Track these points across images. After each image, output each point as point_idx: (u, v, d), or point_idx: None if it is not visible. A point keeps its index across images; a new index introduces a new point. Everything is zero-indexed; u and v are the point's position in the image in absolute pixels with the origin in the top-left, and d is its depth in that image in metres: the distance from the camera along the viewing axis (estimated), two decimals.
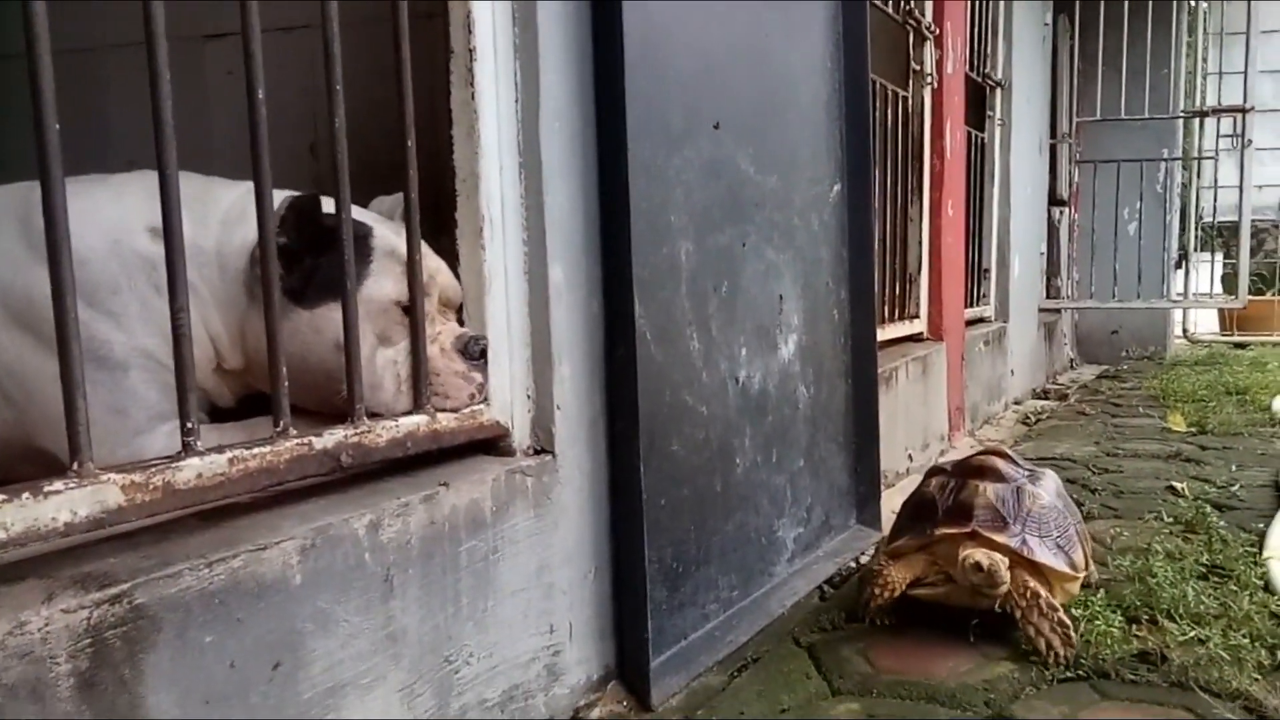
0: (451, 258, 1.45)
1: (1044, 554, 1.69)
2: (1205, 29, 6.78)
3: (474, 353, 1.41)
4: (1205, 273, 7.57)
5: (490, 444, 1.45)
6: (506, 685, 1.39)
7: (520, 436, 1.47)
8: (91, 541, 0.97)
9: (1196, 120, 6.41)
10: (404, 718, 1.21)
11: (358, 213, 1.42)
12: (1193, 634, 1.59)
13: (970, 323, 4.27)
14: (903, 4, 3.33)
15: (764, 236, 2.08)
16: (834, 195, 2.44)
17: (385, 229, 1.43)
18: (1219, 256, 8.33)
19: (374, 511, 1.17)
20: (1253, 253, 8.39)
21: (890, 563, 1.84)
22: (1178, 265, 6.86)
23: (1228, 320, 7.40)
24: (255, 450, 1.07)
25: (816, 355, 2.34)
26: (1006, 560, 1.65)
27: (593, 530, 1.59)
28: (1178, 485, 2.70)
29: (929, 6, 3.58)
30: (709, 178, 1.86)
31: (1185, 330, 7.26)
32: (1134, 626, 1.66)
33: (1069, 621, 1.62)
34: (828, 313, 2.42)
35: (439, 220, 1.44)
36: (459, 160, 1.39)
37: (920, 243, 3.59)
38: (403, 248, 1.34)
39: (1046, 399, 5.21)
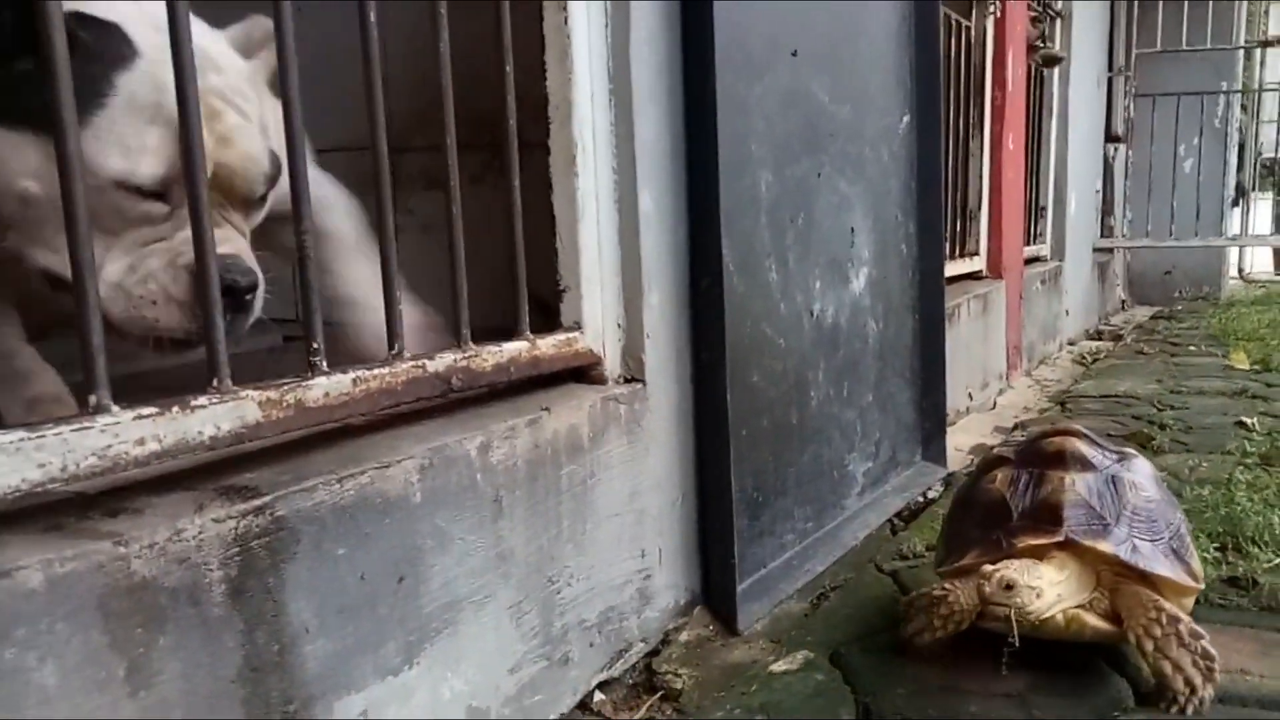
0: (540, 189, 1.44)
1: (1160, 563, 1.32)
2: None
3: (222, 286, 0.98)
4: (1261, 211, 7.41)
5: (582, 372, 1.47)
6: (603, 607, 1.43)
7: (611, 365, 1.49)
8: (229, 457, 1.01)
9: (1258, 53, 6.23)
10: (512, 635, 1.25)
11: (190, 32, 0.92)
12: (1277, 558, 1.60)
13: (1027, 261, 4.23)
14: None
15: (837, 168, 2.07)
16: (903, 126, 2.42)
17: (161, 54, 0.94)
18: (1271, 195, 8.15)
19: (484, 434, 1.19)
20: None
21: (954, 585, 1.39)
22: (1235, 203, 6.73)
23: None
24: (375, 371, 1.09)
25: (885, 289, 2.33)
26: (1034, 580, 1.28)
27: (679, 458, 1.61)
28: (1247, 420, 2.67)
29: None
30: (787, 107, 1.85)
31: (1240, 270, 7.13)
32: (1223, 553, 1.67)
33: (1214, 652, 1.26)
34: (896, 246, 2.41)
35: (498, 159, 1.40)
36: (551, 87, 1.39)
37: (981, 178, 3.55)
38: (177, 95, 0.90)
39: (1100, 340, 5.16)
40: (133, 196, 1.06)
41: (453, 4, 1.22)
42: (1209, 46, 5.57)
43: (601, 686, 1.42)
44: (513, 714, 1.24)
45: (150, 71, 1.04)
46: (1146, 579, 1.32)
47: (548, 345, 1.37)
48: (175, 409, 0.89)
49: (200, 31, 1.04)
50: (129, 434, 0.85)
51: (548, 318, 1.46)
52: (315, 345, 1.04)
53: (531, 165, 1.42)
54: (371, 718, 1.04)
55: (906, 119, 2.42)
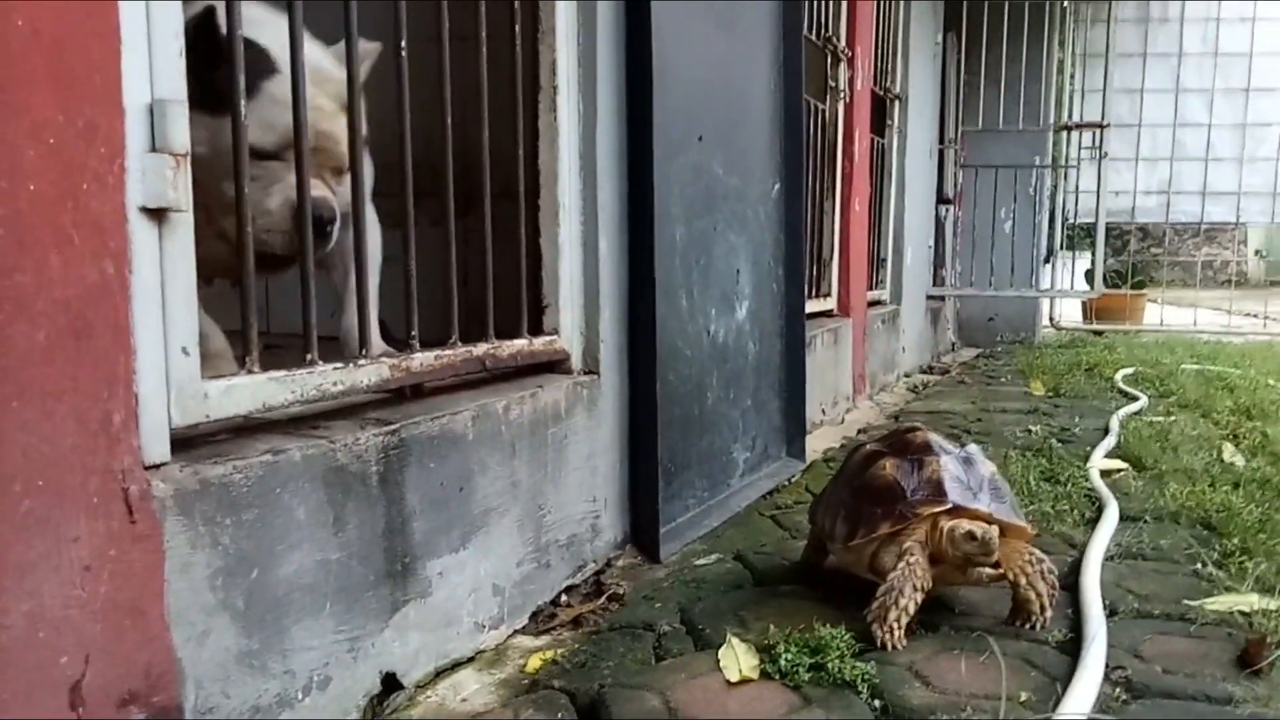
0: (529, 234, 2.01)
1: (1013, 517, 1.70)
2: (1072, 50, 7.69)
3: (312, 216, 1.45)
4: (1077, 268, 8.51)
5: (556, 364, 2.05)
6: (570, 533, 2.00)
7: (577, 361, 2.08)
8: (357, 403, 1.55)
9: (1064, 131, 7.31)
10: (518, 541, 1.80)
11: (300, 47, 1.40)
12: (1034, 506, 2.29)
13: (870, 304, 4.99)
14: (823, 31, 4.00)
15: (728, 224, 2.72)
16: (775, 192, 3.09)
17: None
18: (1086, 254, 9.32)
19: (506, 399, 1.76)
20: (1118, 251, 9.45)
21: (911, 551, 1.64)
22: (1046, 260, 7.79)
23: (1089, 311, 8.38)
24: (446, 352, 1.66)
25: (761, 319, 2.99)
26: (996, 527, 1.61)
27: (619, 433, 2.20)
28: (1032, 428, 3.44)
29: (844, 32, 4.27)
30: (694, 178, 2.48)
31: (1052, 319, 8.20)
32: None
33: (1056, 580, 1.66)
34: (769, 285, 3.07)
35: (469, 200, 1.89)
36: (543, 162, 1.98)
37: (833, 233, 4.28)
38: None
39: (932, 374, 6.00)
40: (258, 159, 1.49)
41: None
42: (1020, 128, 6.58)
43: (568, 590, 1.98)
44: (518, 594, 1.80)
45: (284, 80, 1.49)
46: (1005, 530, 1.65)
47: (539, 344, 1.95)
48: (351, 365, 1.43)
49: (314, 49, 1.53)
50: (329, 378, 1.39)
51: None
52: (413, 334, 1.59)
53: (493, 211, 1.93)
54: (444, 577, 1.58)
55: (778, 186, 3.10)
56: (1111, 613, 1.64)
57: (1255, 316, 8.88)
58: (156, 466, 1.13)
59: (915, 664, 1.46)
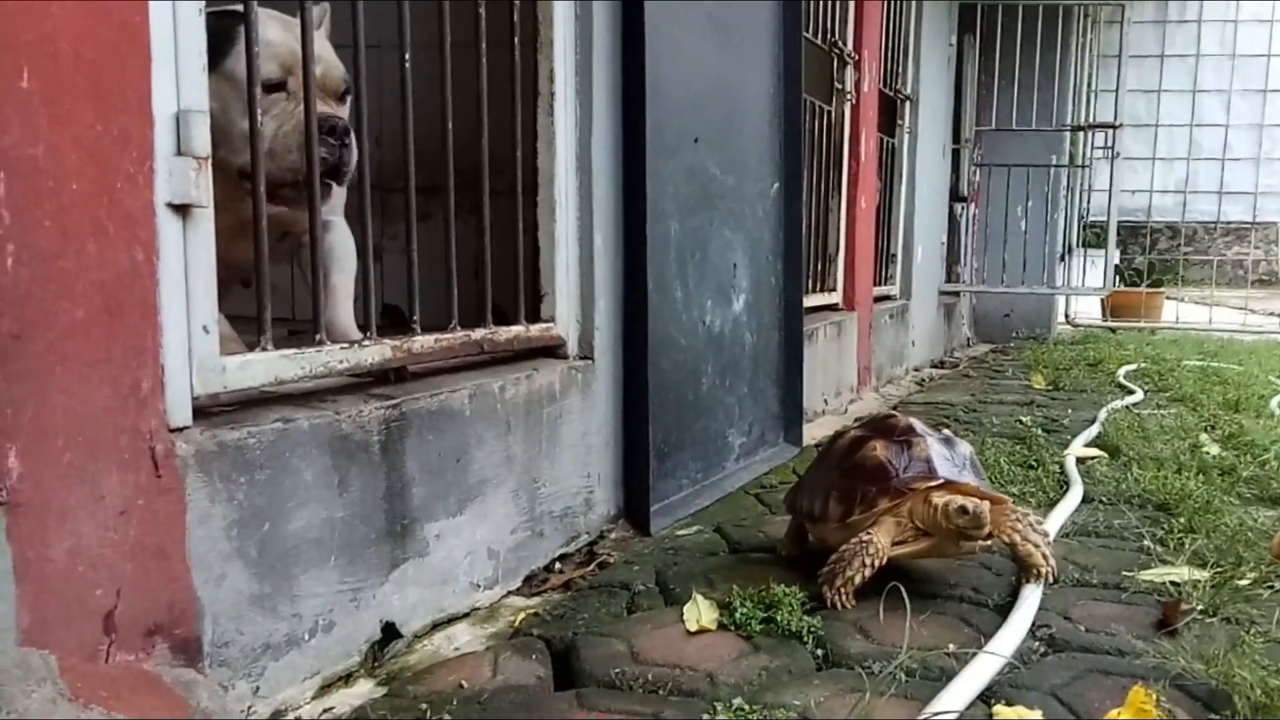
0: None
1: (992, 490, 1.83)
2: (1090, 51, 7.75)
3: (325, 128, 1.65)
4: (1099, 265, 8.57)
5: (553, 349, 2.20)
6: (564, 505, 2.15)
7: (572, 346, 2.23)
8: (362, 382, 1.71)
9: (1080, 131, 7.38)
10: (513, 510, 1.96)
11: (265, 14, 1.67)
12: (1005, 489, 2.43)
13: (878, 299, 5.10)
14: (828, 35, 4.13)
15: (724, 221, 2.86)
16: (773, 191, 3.23)
17: (272, 24, 1.69)
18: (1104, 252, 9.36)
19: (502, 379, 1.92)
20: (1145, 250, 9.50)
21: (873, 531, 1.74)
22: (1062, 258, 7.86)
23: (1106, 307, 8.44)
24: (445, 336, 1.82)
25: (758, 310, 3.13)
26: (986, 502, 1.71)
27: (613, 415, 2.35)
28: (1023, 418, 3.56)
29: (850, 35, 4.39)
30: (689, 177, 2.63)
31: (1068, 316, 8.27)
32: None
33: (1050, 534, 1.82)
34: (767, 280, 3.21)
35: (476, 195, 2.03)
36: (541, 163, 2.14)
37: (839, 230, 4.41)
38: (278, 36, 1.70)
39: (942, 368, 6.10)
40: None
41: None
42: (1034, 128, 6.66)
43: (561, 558, 2.14)
44: (512, 559, 1.96)
45: (261, 25, 1.60)
46: (988, 501, 1.75)
47: (535, 330, 2.11)
48: (355, 345, 1.60)
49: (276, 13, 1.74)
50: (335, 356, 1.56)
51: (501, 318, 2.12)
52: (415, 318, 1.75)
53: (496, 206, 2.09)
54: (441, 539, 1.74)
55: (776, 185, 3.24)
56: (1053, 581, 1.77)
57: (1277, 315, 8.90)
58: (180, 429, 1.29)
59: (861, 620, 1.61)
